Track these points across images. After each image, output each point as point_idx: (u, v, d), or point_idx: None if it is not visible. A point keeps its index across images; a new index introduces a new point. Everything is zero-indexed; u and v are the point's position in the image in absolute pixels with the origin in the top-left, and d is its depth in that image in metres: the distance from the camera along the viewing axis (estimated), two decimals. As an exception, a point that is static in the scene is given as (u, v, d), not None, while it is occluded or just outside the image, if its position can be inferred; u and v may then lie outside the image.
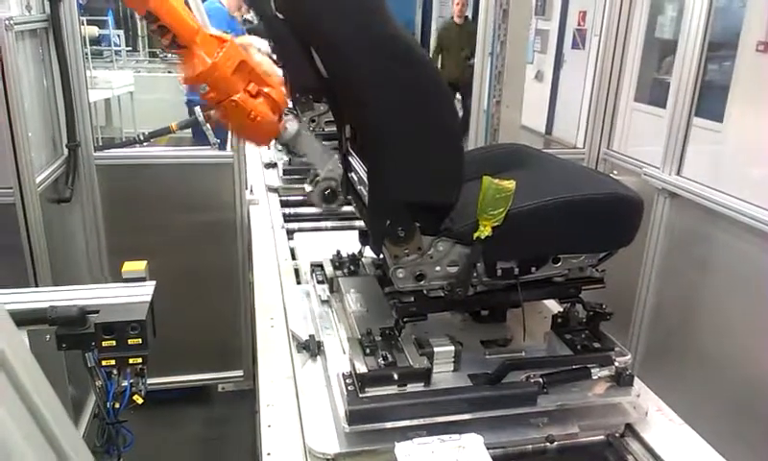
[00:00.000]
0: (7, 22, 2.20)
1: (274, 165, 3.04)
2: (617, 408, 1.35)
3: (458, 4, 7.22)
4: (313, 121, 2.84)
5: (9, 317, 0.52)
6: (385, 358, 1.27)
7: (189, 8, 1.46)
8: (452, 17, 7.35)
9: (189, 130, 3.97)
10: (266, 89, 1.30)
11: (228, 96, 1.26)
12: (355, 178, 1.48)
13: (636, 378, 1.34)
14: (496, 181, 1.21)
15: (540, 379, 1.27)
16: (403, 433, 1.18)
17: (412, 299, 1.32)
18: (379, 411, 1.19)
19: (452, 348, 1.31)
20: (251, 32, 5.66)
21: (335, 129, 2.67)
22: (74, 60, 2.74)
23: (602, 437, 1.35)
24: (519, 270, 1.32)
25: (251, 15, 6.19)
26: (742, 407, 2.26)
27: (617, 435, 1.35)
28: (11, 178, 2.35)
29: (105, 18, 8.39)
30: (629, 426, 1.35)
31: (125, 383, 1.43)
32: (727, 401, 2.32)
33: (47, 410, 0.50)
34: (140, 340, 1.38)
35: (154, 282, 1.57)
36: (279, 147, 2.85)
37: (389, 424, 1.20)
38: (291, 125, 1.39)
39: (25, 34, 2.47)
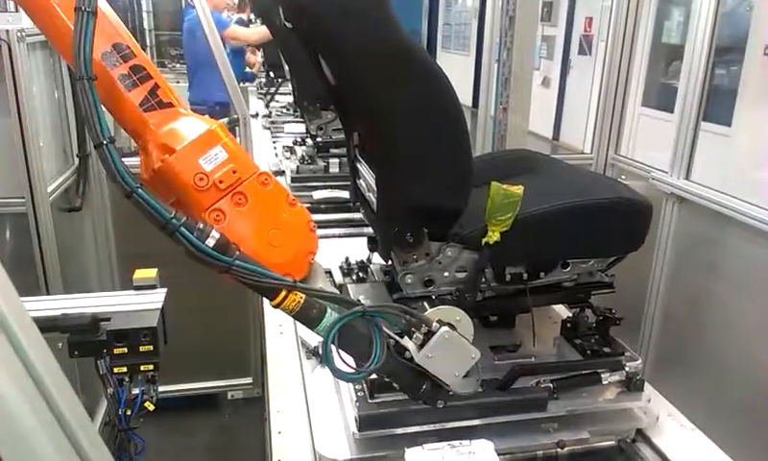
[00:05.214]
0: (19, 34, 2.24)
1: (282, 173, 3.05)
2: (628, 413, 1.34)
3: None
4: (321, 129, 2.85)
5: (33, 323, 0.53)
6: (395, 364, 1.27)
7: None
8: None
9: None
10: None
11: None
12: (364, 184, 1.49)
13: (646, 383, 1.33)
14: (504, 186, 1.21)
15: (551, 385, 1.27)
16: (413, 439, 1.18)
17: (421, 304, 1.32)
18: (389, 417, 1.20)
19: (461, 353, 1.31)
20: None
21: (343, 136, 2.69)
22: (84, 70, 2.77)
23: (613, 442, 1.34)
24: (528, 275, 1.32)
25: (245, 17, 6.34)
26: (754, 412, 2.24)
27: (628, 440, 1.34)
28: (23, 187, 2.38)
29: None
30: (640, 432, 1.34)
31: (136, 390, 1.44)
32: (738, 406, 2.30)
33: (69, 411, 0.51)
34: (151, 347, 1.39)
35: (165, 290, 1.58)
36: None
37: (399, 430, 1.20)
38: None
39: (36, 45, 2.51)
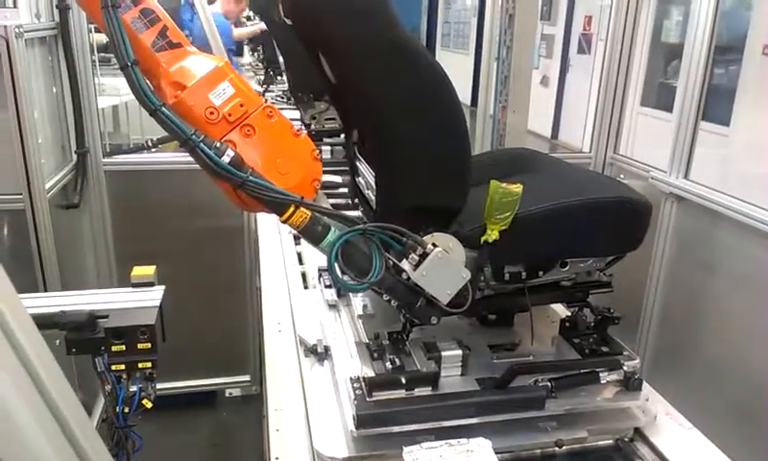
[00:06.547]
0: (17, 30, 2.23)
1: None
2: (626, 412, 1.34)
3: None
4: (314, 118, 2.94)
5: (31, 321, 0.53)
6: (393, 362, 1.27)
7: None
8: None
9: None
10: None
11: None
12: (363, 182, 1.49)
13: (644, 383, 1.33)
14: (503, 184, 1.21)
15: (549, 383, 1.27)
16: (411, 437, 1.17)
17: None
18: (387, 415, 1.19)
19: (460, 352, 1.31)
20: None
21: (336, 126, 2.73)
22: (83, 67, 2.77)
23: (611, 441, 1.34)
24: (527, 274, 1.32)
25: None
26: (751, 411, 2.24)
27: (626, 439, 1.34)
28: (21, 184, 2.37)
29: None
30: (638, 431, 1.34)
31: (134, 388, 1.43)
32: (736, 405, 2.31)
33: (68, 410, 0.50)
34: (149, 345, 1.39)
35: (162, 287, 1.57)
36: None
37: (396, 428, 1.19)
38: None
39: (35, 41, 2.50)
